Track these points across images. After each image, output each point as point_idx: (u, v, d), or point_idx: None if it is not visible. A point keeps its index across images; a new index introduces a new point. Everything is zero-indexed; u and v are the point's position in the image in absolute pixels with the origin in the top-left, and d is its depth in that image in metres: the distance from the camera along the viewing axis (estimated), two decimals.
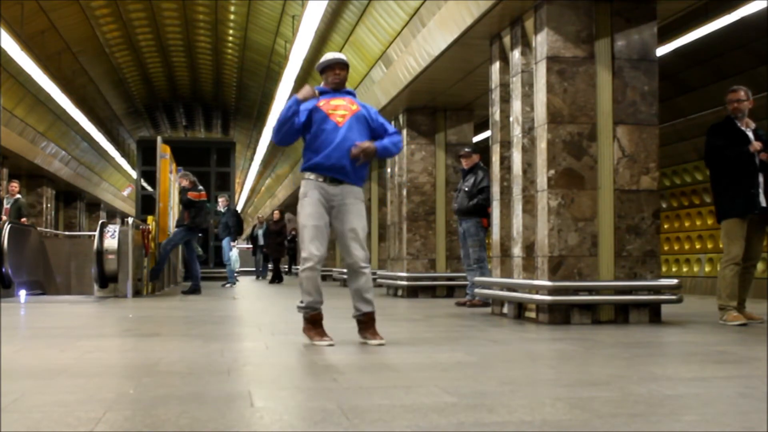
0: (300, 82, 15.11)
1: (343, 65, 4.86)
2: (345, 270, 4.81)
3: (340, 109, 4.73)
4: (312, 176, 4.66)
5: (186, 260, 11.67)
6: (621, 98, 6.22)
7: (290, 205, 24.57)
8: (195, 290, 11.24)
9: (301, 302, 4.66)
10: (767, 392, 2.95)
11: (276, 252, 16.39)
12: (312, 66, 14.05)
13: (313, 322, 4.66)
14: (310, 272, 4.57)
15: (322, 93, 4.84)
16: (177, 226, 11.68)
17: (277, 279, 16.23)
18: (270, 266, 17.92)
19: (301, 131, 4.75)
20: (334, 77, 4.84)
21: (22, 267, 11.23)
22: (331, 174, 4.63)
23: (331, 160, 4.60)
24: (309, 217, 4.58)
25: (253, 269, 20.43)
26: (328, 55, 4.88)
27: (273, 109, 16.97)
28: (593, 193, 6.13)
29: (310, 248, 4.55)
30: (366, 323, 4.69)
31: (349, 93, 4.91)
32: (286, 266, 25.68)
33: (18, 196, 12.99)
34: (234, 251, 14.91)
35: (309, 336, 4.65)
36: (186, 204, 11.33)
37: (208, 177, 20.50)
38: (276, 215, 16.41)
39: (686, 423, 2.49)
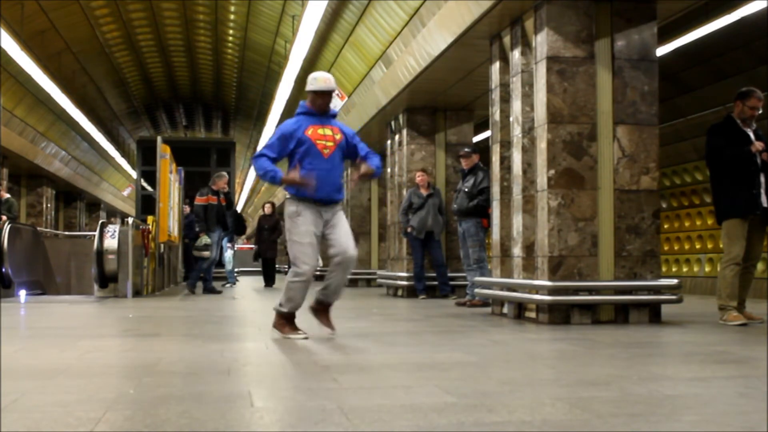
0: (300, 83, 15.13)
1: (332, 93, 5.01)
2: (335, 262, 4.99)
3: (326, 139, 4.91)
4: (305, 199, 4.86)
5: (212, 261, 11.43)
6: (621, 98, 6.22)
7: None
8: (193, 290, 11.17)
9: (281, 305, 4.89)
10: (767, 392, 2.95)
11: (270, 250, 14.50)
12: (312, 66, 14.05)
13: (287, 318, 4.91)
14: (303, 284, 4.84)
15: (306, 113, 4.97)
16: (224, 234, 11.55)
17: (270, 282, 14.27)
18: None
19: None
20: (322, 103, 4.96)
21: (22, 267, 11.24)
22: (322, 201, 4.87)
23: (321, 194, 4.83)
24: (305, 234, 4.81)
25: (252, 269, 20.23)
26: (322, 81, 4.94)
27: (273, 109, 16.96)
28: (593, 193, 6.13)
29: (306, 262, 4.79)
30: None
31: (333, 117, 5.09)
32: (287, 266, 25.54)
33: (8, 196, 13.13)
34: (229, 252, 14.81)
35: (281, 331, 4.88)
36: (231, 206, 11.31)
37: (208, 177, 20.42)
38: (268, 209, 14.75)
39: (686, 423, 2.49)
